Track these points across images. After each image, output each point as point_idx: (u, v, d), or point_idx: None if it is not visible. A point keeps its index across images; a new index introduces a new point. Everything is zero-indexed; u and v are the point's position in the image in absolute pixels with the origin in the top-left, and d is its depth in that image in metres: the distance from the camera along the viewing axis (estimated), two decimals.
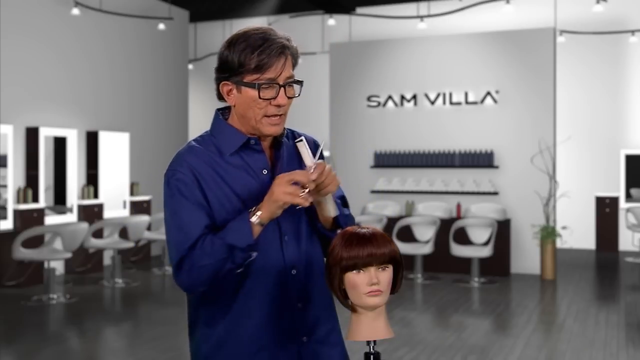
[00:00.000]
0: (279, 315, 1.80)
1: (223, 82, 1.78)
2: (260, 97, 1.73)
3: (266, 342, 1.79)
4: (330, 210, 1.82)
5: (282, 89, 1.75)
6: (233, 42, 1.74)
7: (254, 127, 1.78)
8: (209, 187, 1.76)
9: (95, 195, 9.83)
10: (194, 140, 1.84)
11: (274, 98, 1.74)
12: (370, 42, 10.71)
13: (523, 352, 5.58)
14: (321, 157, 1.79)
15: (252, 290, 1.78)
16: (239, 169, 1.80)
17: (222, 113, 1.87)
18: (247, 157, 1.81)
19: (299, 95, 1.81)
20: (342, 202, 1.95)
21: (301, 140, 1.77)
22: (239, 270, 1.74)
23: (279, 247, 1.80)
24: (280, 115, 1.77)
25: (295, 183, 1.68)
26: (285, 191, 1.66)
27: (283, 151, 1.86)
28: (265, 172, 1.81)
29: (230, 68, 1.75)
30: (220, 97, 1.82)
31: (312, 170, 1.71)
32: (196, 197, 1.74)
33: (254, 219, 1.69)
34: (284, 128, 1.87)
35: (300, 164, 1.83)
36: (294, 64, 1.80)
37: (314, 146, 1.88)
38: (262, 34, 1.74)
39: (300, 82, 1.80)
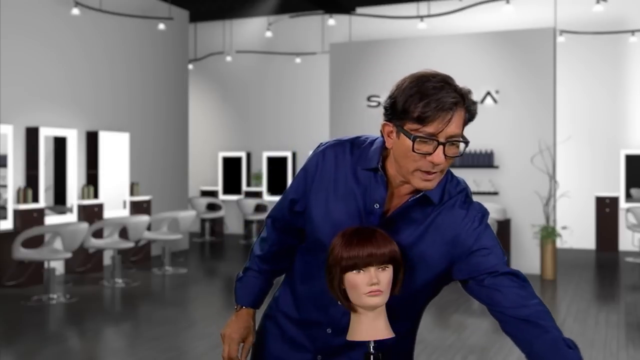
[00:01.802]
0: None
1: (385, 122, 1.68)
2: (414, 150, 1.59)
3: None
4: None
5: (441, 146, 1.58)
6: (406, 84, 1.65)
7: (405, 177, 1.67)
8: (320, 185, 1.81)
9: (95, 195, 9.83)
10: (354, 138, 1.82)
11: (430, 154, 1.59)
12: (370, 42, 10.71)
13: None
14: None
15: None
16: (358, 186, 1.76)
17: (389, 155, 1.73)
18: (373, 181, 1.74)
19: (461, 155, 1.64)
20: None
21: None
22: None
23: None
24: (435, 173, 1.63)
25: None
26: (226, 341, 1.95)
27: (407, 205, 1.71)
28: (377, 206, 1.72)
29: (396, 110, 1.63)
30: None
31: None
32: (302, 183, 1.85)
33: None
34: (424, 193, 1.70)
35: (423, 232, 1.71)
36: (467, 121, 1.64)
37: (461, 223, 1.71)
38: (438, 82, 1.61)
39: (466, 142, 1.61)
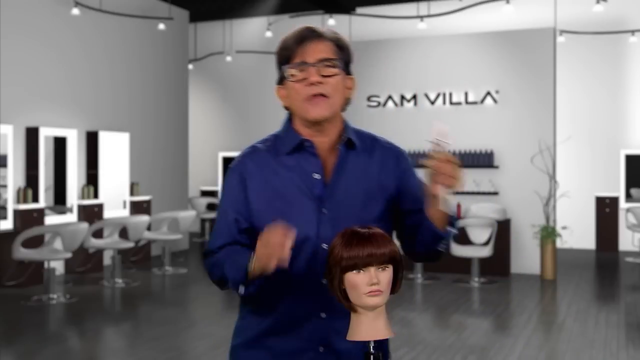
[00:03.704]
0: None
1: (277, 87, 1.84)
2: (291, 81, 1.77)
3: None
4: (443, 205, 1.72)
5: (312, 67, 1.75)
6: (278, 48, 1.82)
7: (302, 117, 1.79)
8: (255, 190, 1.81)
9: (95, 195, 9.83)
10: (261, 140, 1.89)
11: (306, 79, 1.76)
12: (370, 42, 10.71)
13: (523, 352, 5.58)
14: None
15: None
16: (290, 171, 1.81)
17: (292, 117, 1.88)
18: (302, 159, 1.81)
19: (339, 74, 1.78)
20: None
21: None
22: (242, 292, 1.74)
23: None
24: (319, 95, 1.76)
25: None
26: (262, 252, 1.60)
27: (341, 158, 1.83)
28: (316, 176, 1.80)
29: (279, 71, 1.82)
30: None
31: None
32: (235, 202, 1.82)
33: (250, 263, 1.68)
34: (347, 136, 1.83)
35: (364, 175, 1.83)
36: (337, 50, 1.80)
37: (395, 158, 1.90)
38: (291, 31, 1.81)
39: (335, 62, 1.77)
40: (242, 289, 1.72)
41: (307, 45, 1.77)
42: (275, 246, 1.58)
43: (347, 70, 1.84)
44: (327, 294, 1.74)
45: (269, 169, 1.82)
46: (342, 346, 1.80)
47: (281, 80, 1.83)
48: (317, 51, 1.77)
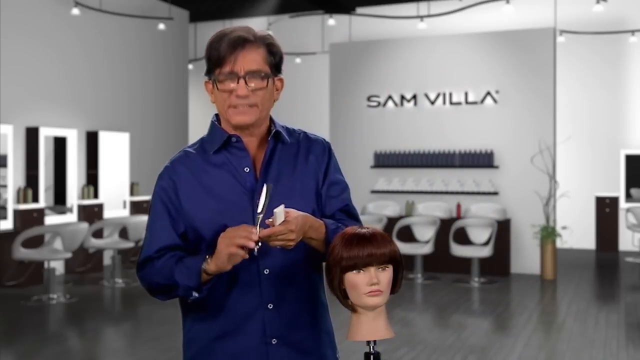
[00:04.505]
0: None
1: (205, 81, 1.83)
2: (218, 89, 1.76)
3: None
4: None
5: (242, 80, 1.74)
6: (210, 39, 1.80)
7: (227, 120, 1.80)
8: (186, 192, 1.80)
9: (95, 195, 9.83)
10: (190, 144, 1.89)
11: (235, 90, 1.75)
12: (370, 42, 10.71)
13: (523, 352, 5.58)
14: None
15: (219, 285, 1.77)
16: (220, 168, 1.81)
17: (218, 117, 1.89)
18: (231, 155, 1.82)
19: (267, 86, 1.78)
20: (347, 214, 1.90)
21: (269, 185, 1.69)
22: (194, 297, 1.74)
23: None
24: (245, 105, 1.76)
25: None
26: (227, 245, 1.61)
27: (268, 150, 1.83)
28: (247, 169, 1.80)
29: (208, 65, 1.80)
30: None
31: (257, 225, 1.62)
32: (168, 209, 1.80)
33: (204, 265, 1.68)
34: (274, 127, 1.85)
35: (293, 167, 1.84)
36: (269, 58, 1.79)
37: (322, 150, 1.90)
38: (233, 30, 1.78)
39: (263, 74, 1.76)
40: (194, 294, 1.73)
41: (238, 53, 1.74)
42: (241, 238, 1.60)
43: (276, 72, 1.83)
44: (271, 284, 1.76)
45: (198, 170, 1.81)
46: (294, 337, 1.80)
47: (209, 77, 1.81)
48: (247, 61, 1.75)
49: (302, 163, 1.86)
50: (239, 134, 1.82)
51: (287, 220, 1.64)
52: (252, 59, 1.76)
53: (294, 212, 1.67)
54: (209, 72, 1.80)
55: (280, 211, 1.63)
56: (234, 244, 1.61)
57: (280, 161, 1.84)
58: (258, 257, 1.75)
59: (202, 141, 1.87)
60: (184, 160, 1.84)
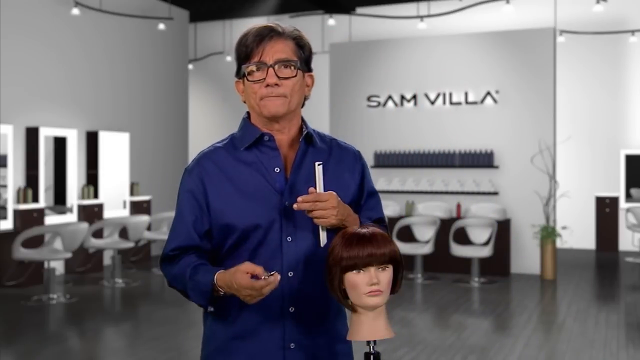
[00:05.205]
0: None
1: (236, 81, 1.83)
2: (249, 80, 1.76)
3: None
4: (320, 239, 1.74)
5: (271, 69, 1.73)
6: (236, 43, 1.81)
7: (258, 113, 1.78)
8: (214, 189, 1.78)
9: (95, 195, 9.83)
10: (219, 140, 1.87)
11: (264, 79, 1.74)
12: (370, 42, 10.71)
13: (523, 352, 5.58)
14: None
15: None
16: (249, 166, 1.79)
17: (249, 114, 1.87)
18: (261, 154, 1.80)
19: (296, 75, 1.77)
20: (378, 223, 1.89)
21: (320, 165, 1.71)
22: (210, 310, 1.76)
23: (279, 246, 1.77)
24: (276, 95, 1.75)
25: (255, 276, 1.58)
26: (241, 283, 1.58)
27: (300, 152, 1.81)
28: (277, 170, 1.78)
29: (237, 66, 1.80)
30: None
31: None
32: (191, 205, 1.79)
33: (215, 281, 1.66)
34: (307, 130, 1.84)
35: (326, 172, 1.81)
36: (297, 49, 1.79)
37: (354, 159, 1.92)
38: (252, 27, 1.79)
39: (292, 63, 1.75)
40: (209, 309, 1.74)
41: (266, 44, 1.75)
42: (248, 290, 1.58)
43: (306, 67, 1.82)
44: (293, 286, 1.75)
45: (228, 167, 1.79)
46: (312, 342, 1.79)
47: (239, 75, 1.81)
48: (276, 51, 1.75)
49: (333, 168, 1.84)
50: (270, 131, 1.80)
51: (332, 193, 1.68)
52: (280, 49, 1.75)
53: (338, 197, 1.71)
54: (238, 70, 1.79)
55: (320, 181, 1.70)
56: (252, 296, 1.59)
57: (311, 164, 1.81)
58: (282, 260, 1.75)
59: (232, 137, 1.85)
60: (213, 155, 1.82)
